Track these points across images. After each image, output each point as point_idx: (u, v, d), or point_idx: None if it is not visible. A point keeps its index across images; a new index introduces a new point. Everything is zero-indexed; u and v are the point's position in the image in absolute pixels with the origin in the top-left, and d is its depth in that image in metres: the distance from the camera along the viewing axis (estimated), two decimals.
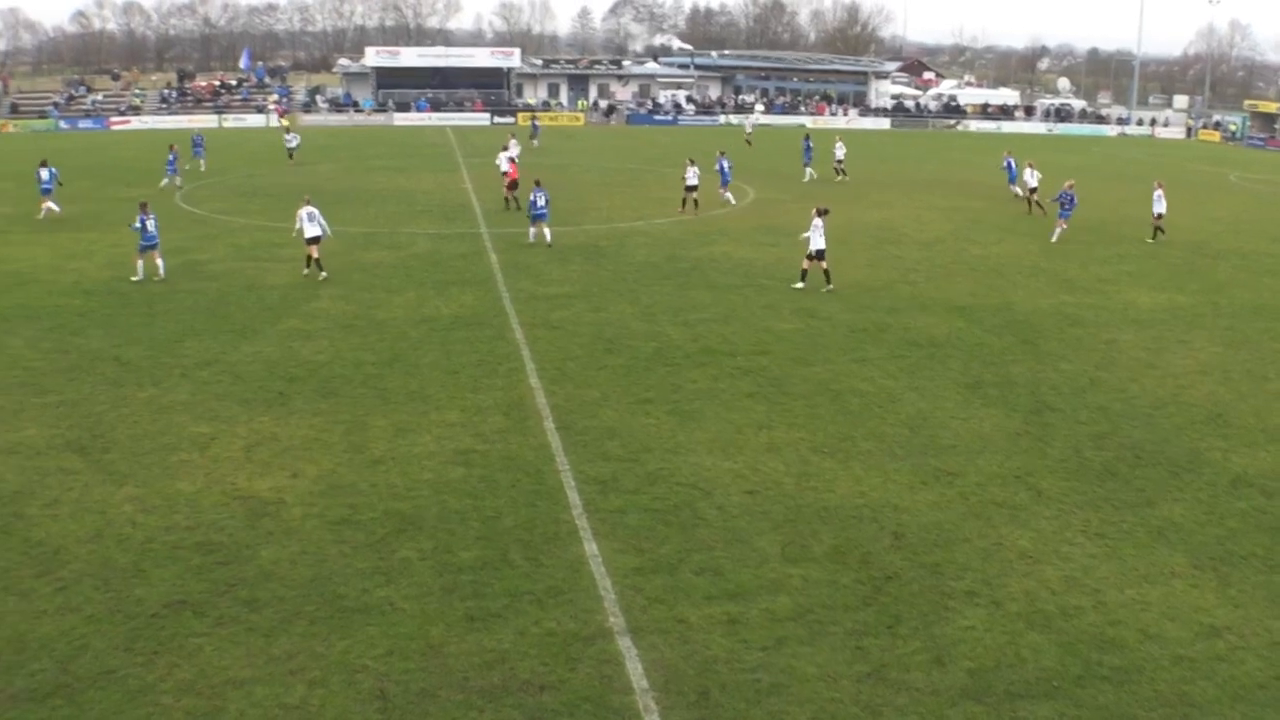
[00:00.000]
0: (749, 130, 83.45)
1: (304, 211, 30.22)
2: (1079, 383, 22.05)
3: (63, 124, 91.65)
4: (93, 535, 14.47)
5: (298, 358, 22.72)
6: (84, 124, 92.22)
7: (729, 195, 45.85)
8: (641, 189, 52.02)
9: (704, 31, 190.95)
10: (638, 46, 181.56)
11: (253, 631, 12.11)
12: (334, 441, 17.96)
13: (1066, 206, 38.15)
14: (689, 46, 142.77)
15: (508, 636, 12.07)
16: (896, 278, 31.92)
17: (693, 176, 43.06)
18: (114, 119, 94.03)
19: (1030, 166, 46.77)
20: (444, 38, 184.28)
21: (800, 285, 29.79)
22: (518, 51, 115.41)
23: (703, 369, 22.30)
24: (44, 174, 41.29)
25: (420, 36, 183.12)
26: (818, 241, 29.33)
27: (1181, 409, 20.62)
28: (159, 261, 30.07)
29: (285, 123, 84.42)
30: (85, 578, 13.31)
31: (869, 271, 32.72)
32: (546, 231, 35.31)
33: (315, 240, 30.19)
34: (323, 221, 30.46)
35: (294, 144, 63.09)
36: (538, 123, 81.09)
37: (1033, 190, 45.69)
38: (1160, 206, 39.31)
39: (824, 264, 29.65)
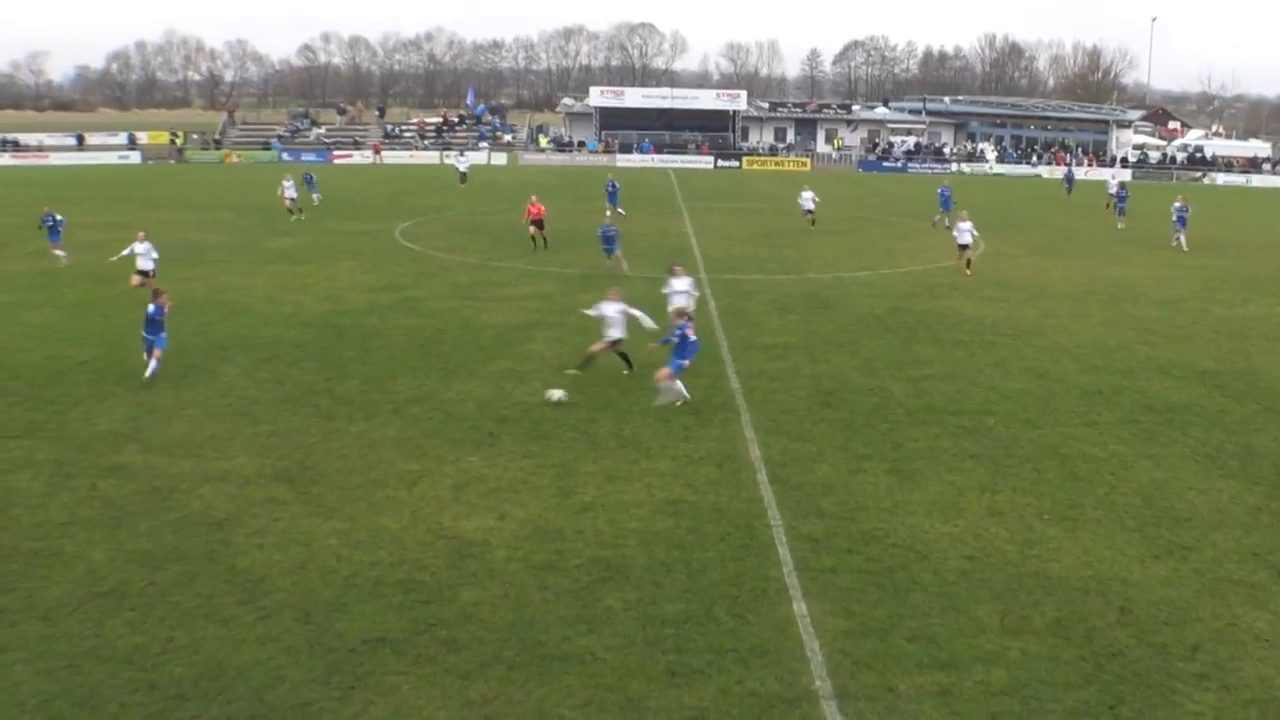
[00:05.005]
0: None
1: (139, 246, 32.76)
2: None
3: (285, 156, 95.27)
4: (297, 566, 14.88)
5: (510, 399, 23.02)
6: (307, 156, 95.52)
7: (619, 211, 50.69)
8: (868, 238, 51.46)
9: (937, 76, 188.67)
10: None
11: (450, 673, 12.24)
12: (542, 485, 18.11)
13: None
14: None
15: (709, 694, 11.91)
16: (1133, 338, 30.60)
17: (965, 234, 39.69)
18: (336, 153, 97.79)
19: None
20: (669, 79, 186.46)
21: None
22: (744, 94, 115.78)
23: (924, 427, 21.74)
24: (50, 220, 39.89)
25: (645, 77, 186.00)
26: (963, 238, 38.57)
27: None
28: None
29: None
30: (286, 608, 13.66)
31: (1104, 331, 31.48)
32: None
33: (146, 273, 32.55)
34: (155, 256, 33.09)
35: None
36: None
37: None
38: None
39: (966, 255, 36.82)
